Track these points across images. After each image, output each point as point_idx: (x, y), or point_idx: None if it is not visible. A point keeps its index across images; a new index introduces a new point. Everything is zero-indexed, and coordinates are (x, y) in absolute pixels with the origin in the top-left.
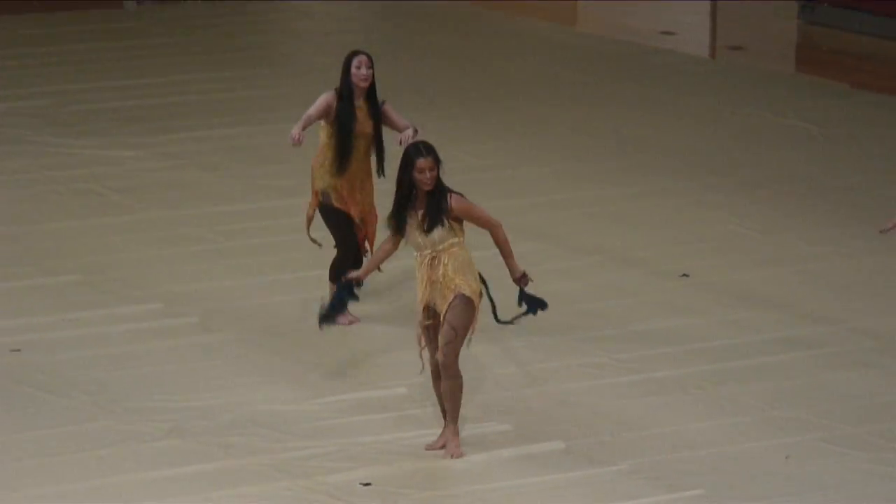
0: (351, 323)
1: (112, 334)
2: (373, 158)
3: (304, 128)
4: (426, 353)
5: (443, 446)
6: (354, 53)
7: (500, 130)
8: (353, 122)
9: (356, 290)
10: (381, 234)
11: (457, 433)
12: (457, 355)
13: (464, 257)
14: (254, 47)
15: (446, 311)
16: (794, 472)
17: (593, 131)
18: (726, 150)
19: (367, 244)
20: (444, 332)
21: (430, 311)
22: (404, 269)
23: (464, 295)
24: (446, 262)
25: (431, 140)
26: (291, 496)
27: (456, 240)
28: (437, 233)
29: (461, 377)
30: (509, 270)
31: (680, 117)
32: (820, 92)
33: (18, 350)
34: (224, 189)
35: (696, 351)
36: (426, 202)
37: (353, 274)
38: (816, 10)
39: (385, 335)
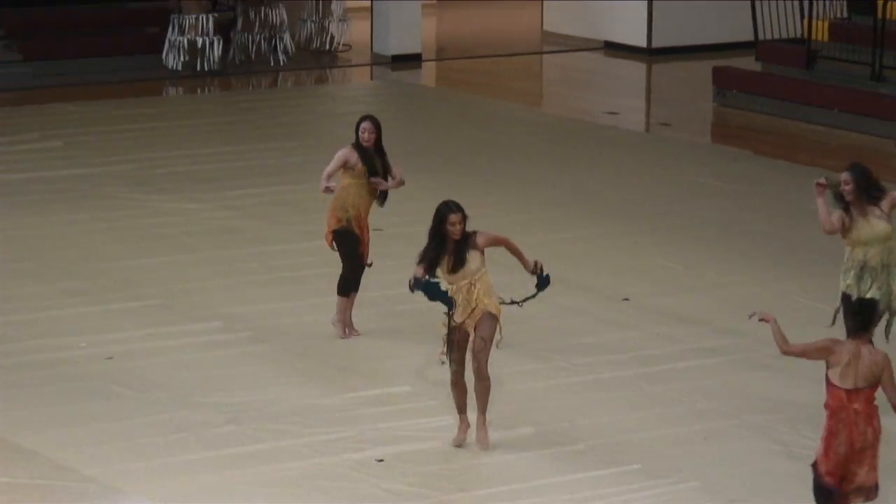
0: (351, 335)
1: (183, 345)
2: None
3: (329, 178)
4: (450, 358)
5: (463, 440)
6: (362, 119)
7: (483, 185)
8: (374, 164)
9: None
10: (374, 246)
11: (486, 423)
12: (487, 361)
13: (488, 282)
14: (289, 123)
15: (477, 326)
16: (712, 450)
17: (556, 186)
18: (657, 202)
19: (366, 255)
20: (477, 343)
21: (456, 329)
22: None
23: (490, 313)
24: (479, 287)
25: (430, 190)
26: (322, 471)
27: (485, 269)
28: (474, 263)
29: (489, 378)
30: (524, 265)
31: (620, 176)
32: (729, 157)
33: (111, 358)
34: (272, 233)
35: (634, 358)
36: (455, 248)
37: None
38: (727, 94)
39: (388, 345)
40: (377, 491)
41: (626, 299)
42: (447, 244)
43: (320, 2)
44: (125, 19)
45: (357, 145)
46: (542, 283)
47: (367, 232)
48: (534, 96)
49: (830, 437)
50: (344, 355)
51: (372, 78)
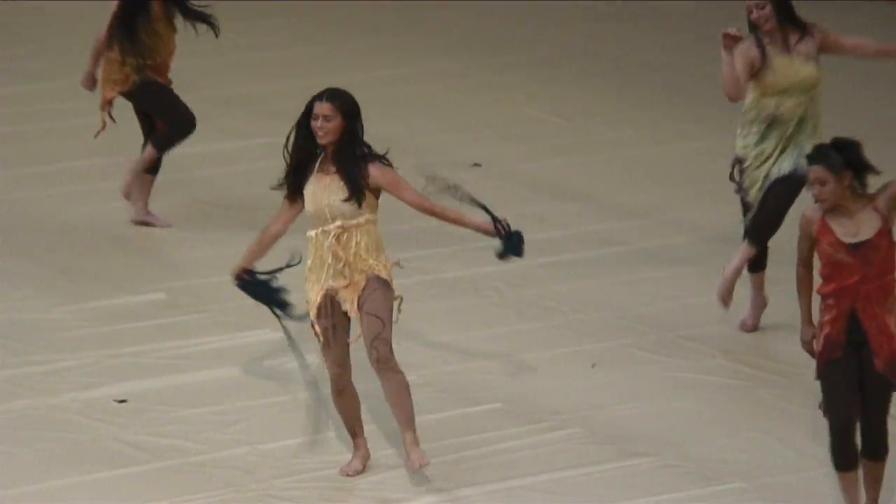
0: (164, 226)
1: None
2: None
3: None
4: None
5: (359, 471)
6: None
7: None
8: None
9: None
10: None
11: (416, 441)
12: (391, 347)
13: (377, 236)
14: None
15: (361, 300)
16: (601, 382)
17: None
18: (517, 29)
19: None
20: (369, 323)
21: (325, 309)
22: None
23: (380, 278)
24: (359, 239)
25: None
26: (33, 417)
27: (372, 216)
28: (351, 204)
29: (403, 373)
30: (476, 229)
31: None
32: None
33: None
34: None
35: (491, 248)
36: (336, 162)
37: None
38: None
39: (148, 236)
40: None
41: (478, 165)
42: (316, 152)
43: None
44: None
45: None
46: (512, 246)
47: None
48: None
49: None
50: (73, 250)
51: None
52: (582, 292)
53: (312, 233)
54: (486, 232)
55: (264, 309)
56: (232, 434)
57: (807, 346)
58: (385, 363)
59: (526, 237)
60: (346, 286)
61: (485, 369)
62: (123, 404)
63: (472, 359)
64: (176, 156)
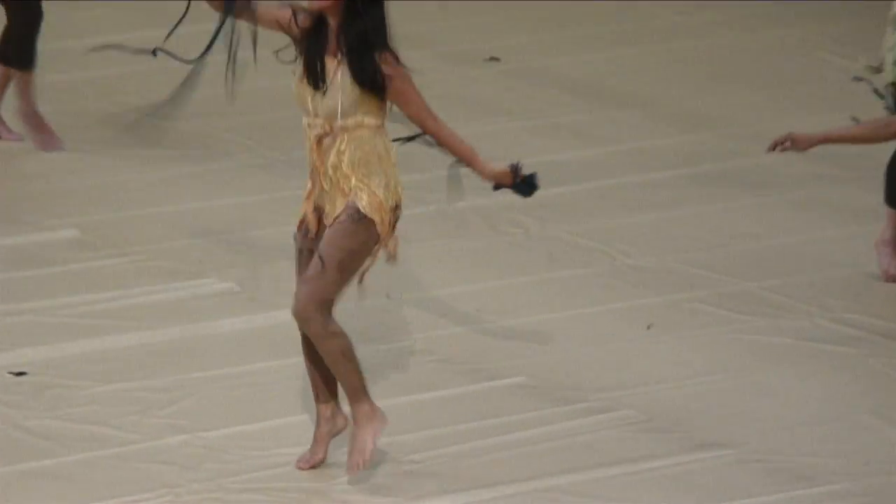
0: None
1: None
2: None
3: None
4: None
5: (321, 460)
6: None
7: None
8: None
9: None
10: None
11: (369, 414)
12: (323, 302)
13: (376, 149)
14: None
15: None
16: (659, 350)
17: None
18: None
19: None
20: (312, 263)
21: (304, 228)
22: None
23: (357, 209)
24: (343, 148)
25: None
26: None
27: (372, 120)
28: (349, 97)
29: (341, 335)
30: (481, 174)
31: None
32: None
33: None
34: None
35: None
36: (338, 41)
37: None
38: None
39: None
40: None
41: (495, 59)
42: (312, 23)
43: None
44: None
45: None
46: (525, 188)
47: None
48: None
49: None
50: None
51: None
52: (633, 228)
53: (304, 121)
54: (494, 177)
55: (211, 253)
56: (166, 417)
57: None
58: (303, 320)
59: (558, 155)
60: (329, 207)
61: (504, 332)
62: (21, 377)
63: (486, 318)
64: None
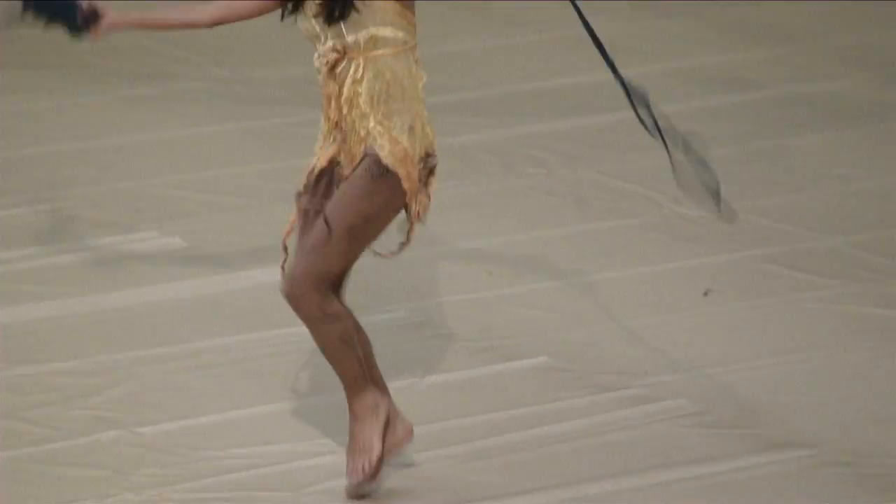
0: None
1: None
2: None
3: None
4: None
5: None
6: None
7: None
8: None
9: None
10: None
11: (374, 408)
12: (323, 278)
13: (398, 78)
14: None
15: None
16: (720, 322)
17: None
18: None
19: None
20: (316, 228)
21: (312, 183)
22: None
23: (377, 161)
24: (360, 76)
25: None
26: None
27: (389, 33)
28: (373, 17)
29: (343, 317)
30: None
31: None
32: None
33: None
34: None
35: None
36: None
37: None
38: None
39: None
40: None
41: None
42: None
43: None
44: None
45: None
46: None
47: None
48: None
49: None
50: None
51: None
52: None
53: (315, 58)
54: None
55: (150, 200)
56: (92, 409)
57: None
58: (295, 298)
59: (591, 76)
60: (341, 154)
61: (524, 300)
62: None
63: (501, 283)
64: None
